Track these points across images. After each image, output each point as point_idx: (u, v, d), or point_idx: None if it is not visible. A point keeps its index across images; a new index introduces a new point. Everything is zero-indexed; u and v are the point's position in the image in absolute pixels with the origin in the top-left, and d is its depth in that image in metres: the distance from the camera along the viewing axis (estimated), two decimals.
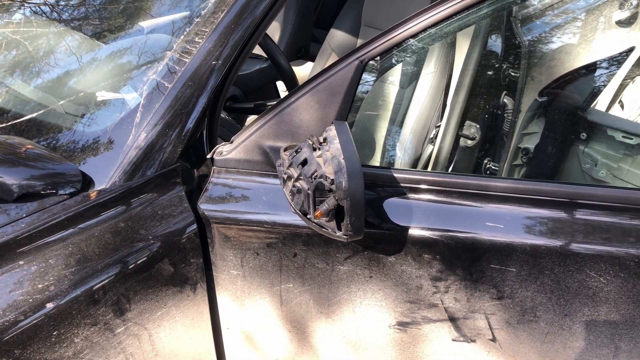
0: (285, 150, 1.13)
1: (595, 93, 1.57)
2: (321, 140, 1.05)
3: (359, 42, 2.65)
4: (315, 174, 0.99)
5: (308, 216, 1.03)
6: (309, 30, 3.11)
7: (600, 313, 1.08)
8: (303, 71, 2.98)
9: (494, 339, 1.17)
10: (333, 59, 2.71)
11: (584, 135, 1.53)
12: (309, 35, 3.10)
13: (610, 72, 1.60)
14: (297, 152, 1.06)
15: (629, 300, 1.06)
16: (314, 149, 1.03)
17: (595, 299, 1.07)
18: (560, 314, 1.10)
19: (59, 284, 1.07)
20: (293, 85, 1.87)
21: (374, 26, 2.59)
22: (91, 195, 1.18)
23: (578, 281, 1.07)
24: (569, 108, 1.63)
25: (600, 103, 1.57)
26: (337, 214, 1.01)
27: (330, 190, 0.98)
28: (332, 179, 0.96)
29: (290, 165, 1.05)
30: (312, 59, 3.10)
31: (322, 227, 1.02)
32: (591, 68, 1.66)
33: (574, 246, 1.08)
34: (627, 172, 1.46)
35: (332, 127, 1.06)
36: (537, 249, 1.08)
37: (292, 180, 1.04)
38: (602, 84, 1.59)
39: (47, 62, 1.56)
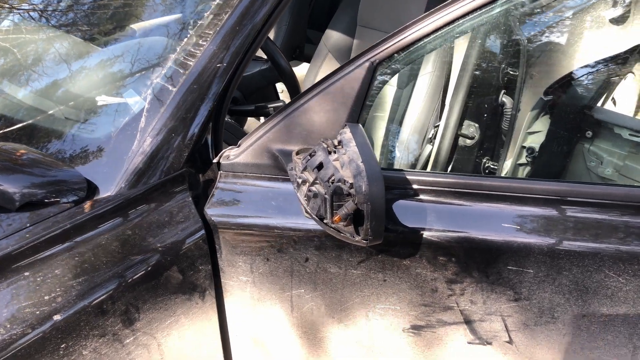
0: (297, 153, 1.10)
1: (601, 91, 1.56)
2: (336, 143, 1.03)
3: (355, 42, 2.64)
4: (333, 178, 0.97)
5: (325, 221, 1.01)
6: (303, 30, 3.09)
7: (619, 312, 1.08)
8: (298, 72, 2.95)
9: (510, 341, 1.16)
10: (329, 59, 2.69)
11: (589, 134, 1.53)
12: (303, 36, 3.09)
13: (615, 70, 1.60)
14: (311, 155, 1.03)
15: None
16: (329, 152, 1.01)
17: (614, 299, 1.07)
18: (578, 314, 1.09)
19: (66, 295, 1.04)
20: (294, 86, 1.85)
21: (370, 26, 2.57)
22: (97, 203, 1.15)
23: (596, 281, 1.06)
24: (575, 106, 1.63)
25: (605, 101, 1.57)
26: (354, 218, 0.99)
27: (349, 195, 0.96)
28: (350, 183, 0.95)
29: (305, 169, 1.03)
30: (307, 59, 3.08)
31: (339, 232, 1.00)
32: (596, 66, 1.65)
33: (590, 245, 1.07)
34: (634, 170, 1.46)
35: (347, 130, 1.04)
36: (553, 249, 1.07)
37: (308, 184, 1.01)
38: (607, 82, 1.59)
39: (46, 68, 1.53)
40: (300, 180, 1.04)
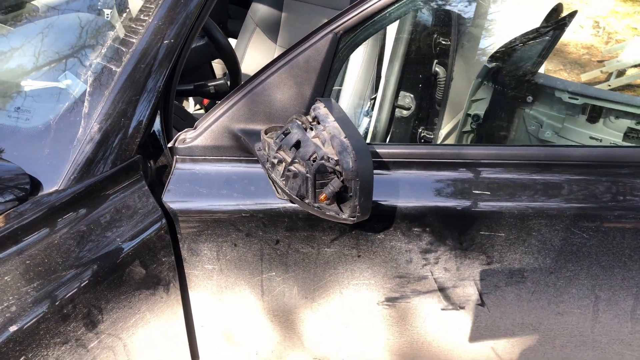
0: (266, 132, 1.05)
1: (541, 57, 1.62)
2: (311, 119, 0.99)
3: (284, 15, 2.57)
4: (315, 156, 0.93)
5: (306, 200, 0.97)
6: (225, 5, 2.97)
7: (583, 267, 1.14)
8: None
9: (482, 304, 1.20)
10: (257, 34, 2.61)
11: (530, 99, 1.59)
12: (225, 11, 2.97)
13: (551, 36, 1.67)
14: (285, 134, 0.99)
15: (608, 253, 1.12)
16: (306, 129, 0.97)
17: (579, 255, 1.13)
18: (546, 272, 1.14)
19: (20, 303, 0.94)
20: (233, 62, 1.77)
21: None
22: (44, 198, 1.04)
23: (563, 239, 1.11)
24: (516, 73, 1.69)
25: (545, 66, 1.63)
26: (337, 195, 0.96)
27: (333, 172, 0.93)
28: (335, 160, 0.91)
29: (280, 148, 0.98)
30: (231, 34, 2.98)
31: (324, 210, 0.97)
32: (533, 34, 1.71)
33: (553, 206, 1.12)
34: (571, 131, 1.54)
35: (320, 105, 1.00)
36: (523, 211, 1.11)
37: (285, 164, 0.97)
38: (546, 48, 1.65)
39: None
40: (275, 160, 0.99)
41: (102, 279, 1.05)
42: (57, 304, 0.98)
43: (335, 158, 0.91)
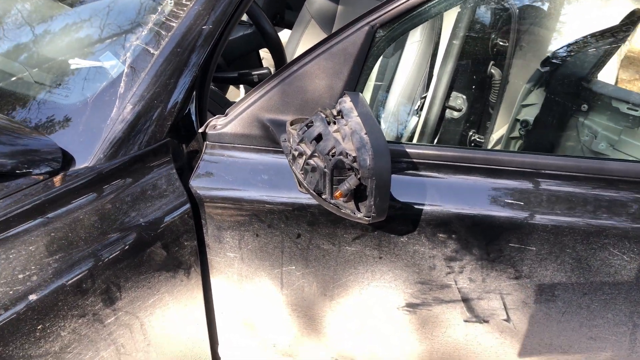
0: (292, 124, 1.03)
1: (596, 63, 1.52)
2: (335, 113, 0.96)
3: (340, 8, 2.54)
4: (333, 151, 0.91)
5: (323, 196, 0.95)
6: None
7: (621, 291, 1.06)
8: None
9: (508, 319, 1.13)
10: (312, 26, 2.59)
11: (585, 107, 1.49)
12: (283, 1, 2.97)
13: (613, 42, 1.56)
14: (308, 126, 0.96)
15: None
16: (329, 123, 0.94)
17: (617, 277, 1.04)
18: (579, 292, 1.07)
19: (42, 273, 0.97)
20: (279, 53, 1.76)
21: None
22: (73, 174, 1.07)
23: (600, 259, 1.03)
24: (571, 79, 1.59)
25: (603, 74, 1.53)
26: (355, 192, 0.93)
27: (351, 169, 0.90)
28: (353, 157, 0.88)
29: (302, 140, 0.96)
30: (288, 26, 2.98)
31: (339, 208, 0.95)
32: (588, 38, 1.61)
33: (592, 222, 1.04)
34: (628, 144, 1.43)
35: (347, 99, 0.97)
36: (558, 226, 1.04)
37: (305, 157, 0.95)
38: (602, 54, 1.54)
39: (13, 29, 1.41)
40: (296, 153, 0.97)
41: (123, 257, 1.06)
42: (76, 277, 1.00)
43: (354, 154, 0.88)
